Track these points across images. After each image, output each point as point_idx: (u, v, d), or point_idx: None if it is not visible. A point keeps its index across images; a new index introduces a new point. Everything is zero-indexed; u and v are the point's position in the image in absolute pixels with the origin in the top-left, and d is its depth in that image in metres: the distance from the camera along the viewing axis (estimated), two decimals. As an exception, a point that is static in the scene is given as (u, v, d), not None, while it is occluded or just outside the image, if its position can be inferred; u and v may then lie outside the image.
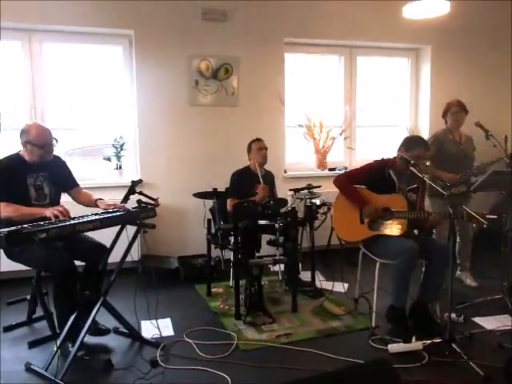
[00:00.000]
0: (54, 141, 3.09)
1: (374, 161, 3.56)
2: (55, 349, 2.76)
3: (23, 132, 3.04)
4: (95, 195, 3.27)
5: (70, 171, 3.37)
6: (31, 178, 3.06)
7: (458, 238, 4.19)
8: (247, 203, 3.82)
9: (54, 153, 3.18)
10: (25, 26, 4.38)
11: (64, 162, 3.36)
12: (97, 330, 3.15)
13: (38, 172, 3.09)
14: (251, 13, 4.93)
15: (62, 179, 3.27)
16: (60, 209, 2.79)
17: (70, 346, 2.83)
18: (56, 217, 2.73)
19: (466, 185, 3.96)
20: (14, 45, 4.48)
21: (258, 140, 4.31)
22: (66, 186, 3.31)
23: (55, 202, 3.18)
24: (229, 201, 4.15)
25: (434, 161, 4.13)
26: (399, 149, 3.42)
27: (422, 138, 3.58)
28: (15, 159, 3.08)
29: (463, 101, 4.14)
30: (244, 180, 4.21)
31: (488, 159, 3.96)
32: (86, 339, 2.86)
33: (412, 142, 3.42)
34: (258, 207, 3.77)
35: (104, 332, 3.18)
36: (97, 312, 2.91)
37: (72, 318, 2.85)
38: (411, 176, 3.36)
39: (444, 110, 4.19)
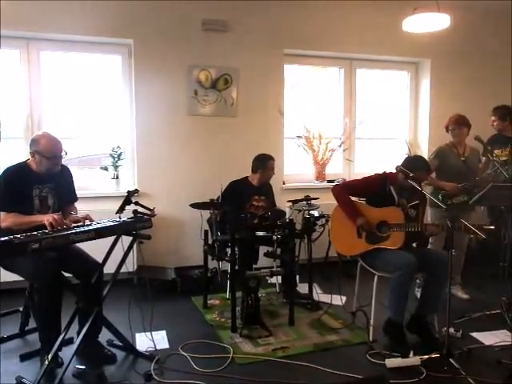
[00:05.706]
0: (64, 153, 3.03)
1: (376, 174, 3.51)
2: (47, 362, 2.70)
3: (33, 141, 2.97)
4: (89, 205, 3.20)
5: (73, 184, 3.31)
6: (37, 189, 3.00)
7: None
8: (245, 215, 3.79)
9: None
10: (23, 34, 4.37)
11: (70, 174, 3.28)
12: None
13: (44, 183, 3.03)
14: (251, 24, 4.95)
15: (65, 192, 3.20)
16: (55, 217, 2.74)
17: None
18: (51, 225, 2.69)
19: (466, 195, 3.93)
20: (12, 53, 4.47)
21: (273, 159, 4.27)
22: (66, 200, 3.22)
23: None
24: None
25: (437, 172, 4.18)
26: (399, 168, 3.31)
27: (423, 159, 3.50)
28: (23, 169, 3.00)
29: (462, 114, 4.14)
30: (240, 191, 4.17)
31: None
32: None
33: (412, 164, 3.32)
34: (255, 219, 3.75)
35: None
36: (93, 323, 2.86)
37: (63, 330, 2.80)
38: (412, 192, 3.32)
39: (446, 125, 4.20)
